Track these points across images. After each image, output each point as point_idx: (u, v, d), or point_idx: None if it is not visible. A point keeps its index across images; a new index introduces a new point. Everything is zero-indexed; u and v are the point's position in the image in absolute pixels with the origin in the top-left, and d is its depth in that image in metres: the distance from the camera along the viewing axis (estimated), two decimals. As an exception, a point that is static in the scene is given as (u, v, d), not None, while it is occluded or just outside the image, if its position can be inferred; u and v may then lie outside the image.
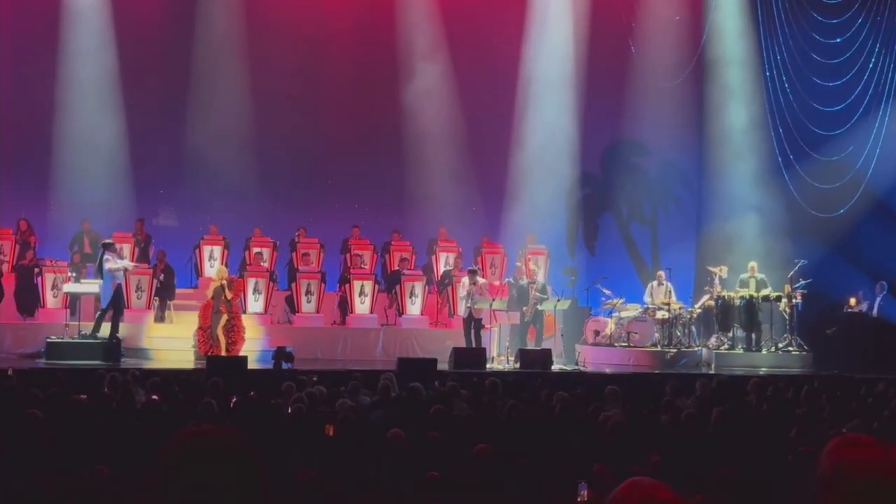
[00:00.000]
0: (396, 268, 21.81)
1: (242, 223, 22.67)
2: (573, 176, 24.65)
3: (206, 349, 18.07)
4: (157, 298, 20.36)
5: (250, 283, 20.35)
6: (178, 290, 20.97)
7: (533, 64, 24.20)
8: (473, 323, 19.37)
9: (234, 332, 18.43)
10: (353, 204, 24.38)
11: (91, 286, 18.94)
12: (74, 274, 19.72)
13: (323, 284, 20.74)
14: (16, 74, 22.32)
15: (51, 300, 19.73)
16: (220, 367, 15.72)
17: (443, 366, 17.46)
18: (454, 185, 24.06)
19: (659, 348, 20.54)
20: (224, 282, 18.50)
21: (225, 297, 18.32)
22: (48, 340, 18.23)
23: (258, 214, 23.21)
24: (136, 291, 19.92)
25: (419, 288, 20.94)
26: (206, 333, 18.35)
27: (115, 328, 18.35)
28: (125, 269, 18.75)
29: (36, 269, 20.06)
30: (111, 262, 18.19)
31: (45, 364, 17.67)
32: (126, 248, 20.54)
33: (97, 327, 18.34)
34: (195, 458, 2.15)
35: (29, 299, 20.19)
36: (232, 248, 22.11)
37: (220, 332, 18.24)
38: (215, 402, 10.35)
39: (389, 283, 21.69)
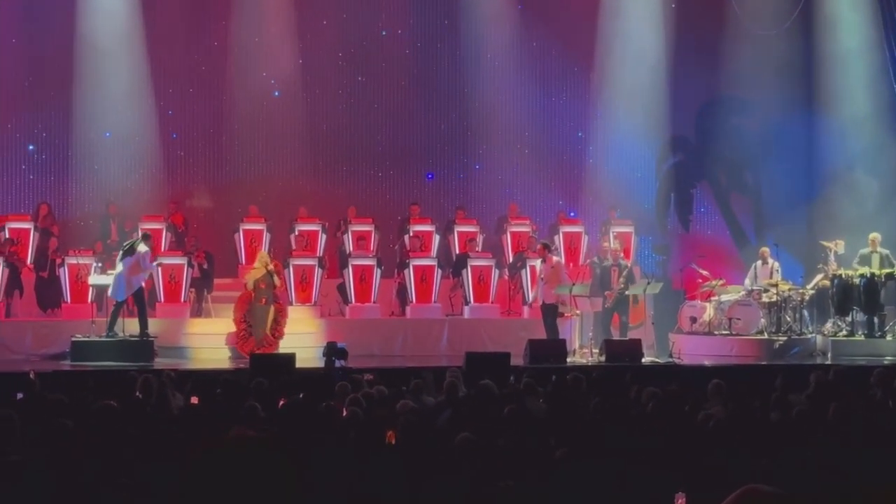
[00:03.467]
0: (462, 250, 21.86)
1: (286, 203, 22.88)
2: (663, 140, 24.51)
3: (250, 347, 18.29)
4: (193, 290, 20.55)
5: (296, 271, 20.46)
6: (216, 280, 21.20)
7: (614, 13, 24.13)
8: (551, 311, 19.27)
9: (280, 324, 18.72)
10: (412, 178, 24.53)
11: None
12: (100, 264, 19.90)
13: (379, 270, 20.85)
14: (36, 45, 22.86)
15: (75, 294, 20.00)
16: (264, 367, 15.84)
17: (517, 360, 17.45)
18: (526, 155, 24.10)
19: (766, 336, 20.33)
20: (270, 268, 18.64)
21: (273, 284, 18.63)
22: (73, 340, 18.46)
23: (304, 192, 23.42)
24: (170, 282, 20.10)
25: (488, 272, 20.92)
26: (246, 330, 18.46)
27: (143, 324, 18.56)
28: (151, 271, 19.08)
29: (58, 260, 20.31)
30: (148, 260, 18.44)
31: (70, 366, 17.92)
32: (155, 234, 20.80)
33: (112, 324, 18.52)
34: (224, 466, 2.13)
35: (51, 294, 20.45)
36: (275, 231, 22.31)
37: (268, 327, 18.48)
38: (260, 405, 10.39)
39: (454, 268, 21.73)
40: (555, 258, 19.81)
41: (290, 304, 19.98)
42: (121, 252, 18.49)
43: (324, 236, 22.22)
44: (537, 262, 19.94)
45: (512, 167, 24.37)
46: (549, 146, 24.56)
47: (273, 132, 23.74)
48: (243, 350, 18.50)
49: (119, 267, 18.35)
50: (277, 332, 18.80)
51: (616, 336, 19.67)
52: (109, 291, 18.51)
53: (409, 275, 20.79)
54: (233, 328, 19.17)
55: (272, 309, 18.78)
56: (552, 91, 24.81)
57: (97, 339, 18.50)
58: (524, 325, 20.34)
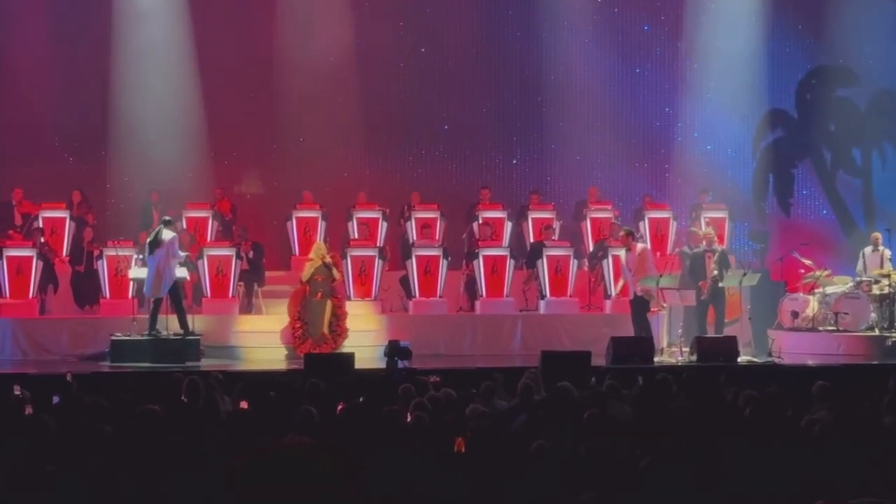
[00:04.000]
0: (537, 238, 21.83)
1: (343, 188, 22.99)
2: (760, 115, 24.28)
3: (308, 348, 18.45)
4: (242, 284, 20.65)
5: (355, 262, 20.51)
6: (268, 273, 21.28)
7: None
8: (641, 305, 19.15)
9: (339, 320, 18.81)
10: (481, 160, 24.53)
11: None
12: (141, 256, 19.83)
13: (445, 261, 20.83)
14: (71, 25, 23.17)
15: (114, 289, 20.16)
16: (321, 367, 15.93)
17: (598, 360, 17.41)
18: (608, 134, 23.99)
19: (877, 332, 20.08)
20: (327, 259, 18.74)
21: (331, 277, 18.76)
22: (112, 338, 18.61)
23: (363, 176, 23.54)
24: (217, 275, 20.23)
25: (566, 263, 20.88)
26: (303, 328, 18.64)
27: (183, 322, 18.66)
28: (185, 259, 19.17)
29: (96, 252, 20.46)
30: (177, 245, 18.52)
31: (110, 367, 18.08)
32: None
33: (153, 322, 18.62)
34: (277, 476, 2.12)
35: (88, 289, 20.65)
36: (331, 218, 22.37)
37: (326, 324, 18.63)
38: (315, 409, 10.39)
39: (529, 258, 21.66)
40: (640, 245, 19.67)
41: (349, 298, 20.08)
42: (147, 247, 18.59)
43: (385, 224, 22.24)
44: (621, 252, 19.81)
45: (592, 146, 24.29)
46: (633, 123, 24.47)
47: (328, 110, 23.80)
48: (301, 352, 18.56)
49: (149, 263, 18.47)
50: (339, 328, 18.88)
51: (710, 333, 19.49)
52: (145, 289, 18.66)
53: (479, 266, 20.73)
54: (285, 324, 19.28)
55: (329, 304, 18.87)
56: (636, 62, 24.70)
57: (138, 337, 18.62)
58: (606, 320, 20.27)
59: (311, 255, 19.28)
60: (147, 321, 18.64)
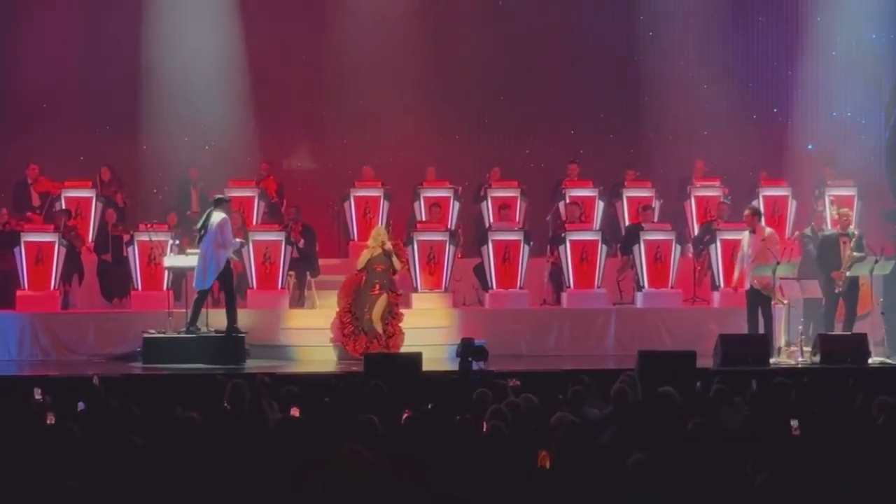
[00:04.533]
0: (633, 220, 21.79)
1: (409, 163, 23.06)
2: (895, 78, 23.96)
3: (363, 345, 18.48)
4: (292, 274, 20.69)
5: (423, 248, 20.47)
6: (322, 262, 21.30)
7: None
8: (759, 298, 18.97)
9: (394, 322, 18.80)
10: (569, 129, 24.48)
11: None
12: (178, 241, 20.10)
13: (527, 247, 20.74)
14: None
15: (147, 280, 20.22)
16: (384, 370, 15.91)
17: (705, 361, 17.35)
18: (716, 100, 23.97)
19: None
20: (388, 245, 18.71)
21: (392, 268, 18.66)
22: (145, 336, 18.73)
23: (431, 149, 23.53)
24: (264, 263, 20.23)
25: (667, 248, 20.78)
26: (353, 323, 18.70)
27: (232, 317, 18.71)
28: (239, 247, 19.28)
29: (126, 237, 20.54)
30: (228, 230, 18.48)
31: (142, 369, 18.19)
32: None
33: (195, 317, 18.72)
34: (334, 494, 2.11)
35: (117, 279, 20.78)
36: (395, 198, 22.38)
37: (377, 319, 18.58)
38: (378, 417, 10.45)
39: (623, 243, 21.60)
40: (767, 229, 19.43)
41: (415, 290, 20.10)
42: (198, 234, 18.62)
43: (457, 204, 22.24)
44: (740, 234, 19.57)
45: (698, 114, 24.16)
46: (746, 87, 24.36)
47: (392, 74, 23.92)
48: (354, 351, 18.66)
49: (200, 251, 18.52)
50: (392, 329, 18.82)
51: (839, 330, 19.30)
52: (194, 281, 18.73)
53: (566, 252, 20.66)
54: (333, 317, 19.33)
55: (384, 299, 18.79)
56: (749, 16, 24.58)
57: (175, 335, 18.72)
58: (714, 315, 20.26)
59: (370, 242, 19.22)
60: (187, 316, 18.73)
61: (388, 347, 18.45)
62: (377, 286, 18.83)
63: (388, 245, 18.98)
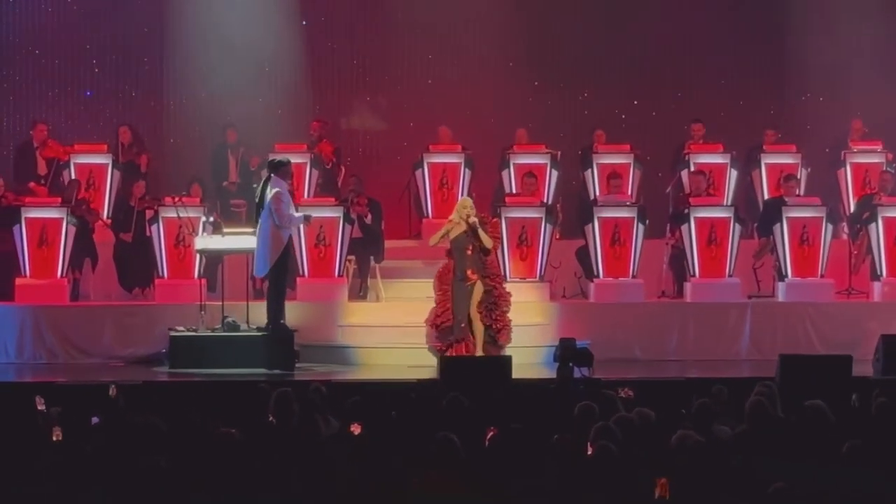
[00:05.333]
0: (773, 193, 21.75)
1: (495, 123, 23.15)
2: None
3: (450, 345, 18.47)
4: (352, 259, 20.76)
5: (513, 227, 20.45)
6: (388, 244, 21.37)
7: None
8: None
9: (499, 311, 18.67)
10: (692, 86, 24.54)
11: (241, 240, 19.34)
12: (211, 219, 20.10)
13: (641, 226, 20.69)
14: None
15: (174, 266, 20.30)
16: (464, 377, 15.94)
17: (863, 368, 17.27)
18: (873, 42, 23.94)
19: None
20: (473, 219, 18.54)
21: (481, 246, 18.48)
22: (172, 335, 18.90)
23: (522, 107, 23.60)
24: (316, 245, 20.23)
25: (816, 228, 20.67)
26: (448, 319, 18.64)
27: (278, 311, 18.81)
28: (305, 222, 19.21)
29: (149, 213, 20.57)
30: (284, 204, 18.49)
31: (168, 375, 18.33)
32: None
33: (277, 314, 18.79)
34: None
35: (138, 265, 20.88)
36: (478, 165, 22.39)
37: (474, 311, 18.51)
38: (457, 436, 10.35)
39: (761, 221, 21.59)
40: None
41: (504, 278, 19.88)
42: (257, 209, 18.70)
43: (555, 173, 22.24)
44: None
45: (854, 63, 24.02)
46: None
47: (472, 15, 23.95)
48: (444, 349, 18.62)
49: (258, 231, 18.61)
50: (499, 321, 18.69)
51: None
52: (254, 268, 18.92)
53: (690, 232, 20.71)
54: (416, 316, 19.24)
55: (479, 288, 18.64)
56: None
57: (208, 333, 18.86)
58: (875, 311, 20.24)
59: (453, 216, 18.86)
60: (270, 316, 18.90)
61: (496, 346, 18.49)
62: (469, 272, 18.56)
63: (474, 219, 18.56)
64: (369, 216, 20.85)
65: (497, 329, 18.67)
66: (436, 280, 18.94)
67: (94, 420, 12.26)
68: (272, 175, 18.58)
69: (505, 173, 22.23)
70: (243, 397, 14.46)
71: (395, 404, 13.27)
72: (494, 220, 19.53)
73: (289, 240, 18.82)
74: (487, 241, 18.52)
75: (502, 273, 19.87)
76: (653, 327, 20.42)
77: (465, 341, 18.58)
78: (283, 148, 22.00)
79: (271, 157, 19.57)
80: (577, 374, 17.02)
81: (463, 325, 18.62)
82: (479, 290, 18.62)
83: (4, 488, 9.24)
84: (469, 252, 18.58)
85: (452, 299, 18.67)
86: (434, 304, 18.90)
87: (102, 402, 13.72)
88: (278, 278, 18.85)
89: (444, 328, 18.70)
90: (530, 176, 21.45)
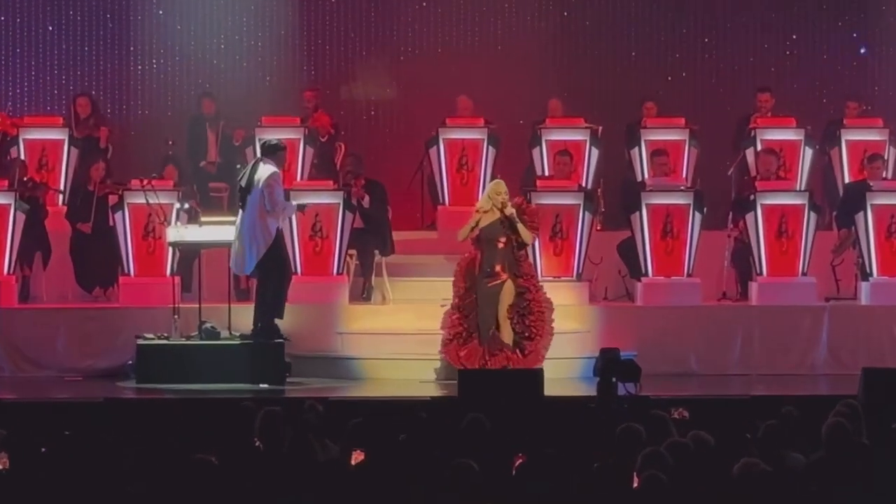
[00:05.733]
0: (856, 176, 21.56)
1: (523, 93, 23.07)
2: None
3: (472, 357, 18.19)
4: (353, 253, 20.61)
5: (546, 216, 20.12)
6: (397, 235, 21.08)
7: None
8: None
9: (534, 315, 18.34)
10: (756, 50, 24.48)
11: (222, 231, 19.29)
12: (186, 206, 20.18)
13: (698, 215, 20.52)
14: None
15: (142, 261, 20.15)
16: (487, 394, 16.05)
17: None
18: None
19: None
20: (510, 209, 18.35)
21: (517, 239, 18.29)
22: (139, 343, 18.79)
23: (555, 76, 23.69)
24: (312, 237, 20.08)
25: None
26: (467, 324, 18.35)
27: (271, 311, 18.75)
28: (299, 211, 19.32)
29: (112, 199, 20.50)
30: (277, 189, 18.47)
31: (135, 391, 18.28)
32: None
33: (268, 314, 18.73)
34: None
35: (100, 260, 20.74)
36: (503, 142, 22.18)
37: (503, 316, 18.15)
38: (478, 464, 10.50)
39: (841, 210, 21.40)
40: None
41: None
42: (239, 192, 18.78)
43: (594, 151, 22.06)
44: None
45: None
46: None
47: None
48: (457, 362, 18.42)
49: (240, 220, 18.65)
50: (536, 329, 18.48)
51: None
52: (231, 262, 18.86)
53: (756, 221, 20.57)
54: (430, 321, 19.08)
55: (509, 288, 18.39)
56: None
57: (182, 342, 18.86)
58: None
59: (481, 203, 18.85)
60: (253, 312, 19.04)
61: (524, 356, 18.38)
62: (499, 267, 18.40)
63: (511, 208, 18.46)
64: (366, 198, 20.70)
65: (530, 337, 18.51)
66: (455, 275, 18.75)
67: (44, 449, 11.84)
68: (262, 158, 18.73)
69: (536, 151, 22.09)
70: (224, 418, 14.25)
71: (404, 426, 12.98)
72: (532, 206, 19.32)
73: (278, 232, 18.70)
74: (527, 236, 18.59)
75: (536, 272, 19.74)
76: (711, 335, 20.35)
77: (499, 353, 18.37)
78: (269, 121, 22.02)
79: (261, 137, 19.88)
80: (621, 390, 16.84)
81: (492, 332, 18.47)
82: (509, 291, 18.49)
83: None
84: (501, 245, 18.51)
85: (477, 301, 18.54)
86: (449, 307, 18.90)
87: (57, 422, 13.68)
88: (272, 274, 18.80)
89: (457, 331, 18.60)
90: (565, 154, 21.35)
